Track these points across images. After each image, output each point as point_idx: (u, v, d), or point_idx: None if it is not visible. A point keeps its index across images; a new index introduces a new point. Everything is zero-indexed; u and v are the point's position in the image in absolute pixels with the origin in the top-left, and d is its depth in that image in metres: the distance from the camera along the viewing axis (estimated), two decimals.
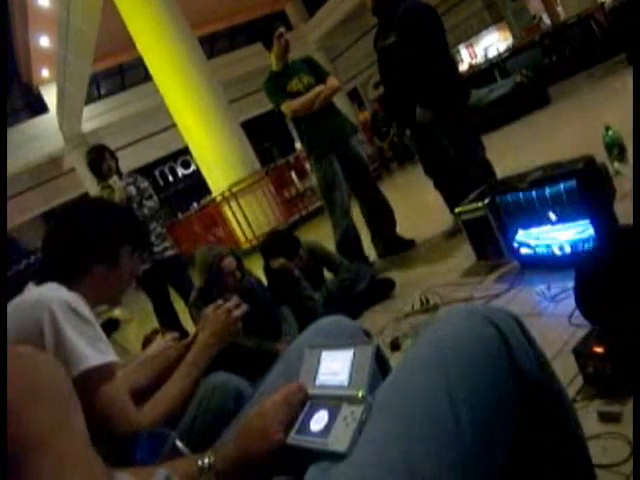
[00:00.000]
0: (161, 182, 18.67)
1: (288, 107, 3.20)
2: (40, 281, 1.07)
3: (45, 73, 14.50)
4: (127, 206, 3.12)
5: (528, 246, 2.11)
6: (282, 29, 3.23)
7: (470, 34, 15.81)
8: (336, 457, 0.62)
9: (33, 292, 1.04)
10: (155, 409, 1.05)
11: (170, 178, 19.17)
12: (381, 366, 0.83)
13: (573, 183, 1.84)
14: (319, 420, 0.69)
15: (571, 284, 1.35)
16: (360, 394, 0.67)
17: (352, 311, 2.51)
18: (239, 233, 8.16)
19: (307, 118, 3.25)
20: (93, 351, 0.96)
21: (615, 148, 2.66)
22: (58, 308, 0.96)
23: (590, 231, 1.85)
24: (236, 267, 2.42)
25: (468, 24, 15.86)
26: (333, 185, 3.28)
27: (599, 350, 1.18)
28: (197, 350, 1.17)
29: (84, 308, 1.01)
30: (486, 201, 2.22)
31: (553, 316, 1.67)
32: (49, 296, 0.99)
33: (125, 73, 16.77)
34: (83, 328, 0.97)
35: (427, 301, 2.30)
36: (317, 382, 0.76)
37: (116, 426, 0.96)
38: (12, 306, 0.98)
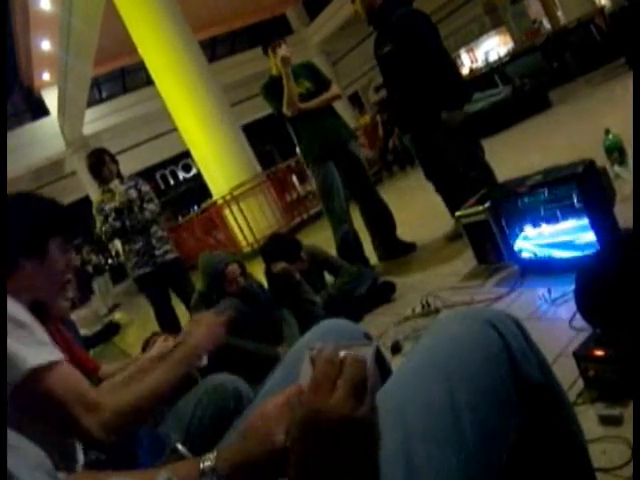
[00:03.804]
0: (162, 185, 18.70)
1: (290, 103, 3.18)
2: None
3: (46, 76, 14.55)
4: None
5: (528, 250, 2.12)
6: (279, 41, 3.21)
7: (471, 38, 15.85)
8: None
9: None
10: (121, 397, 0.97)
11: (171, 181, 19.19)
12: (382, 368, 0.83)
13: (573, 187, 1.84)
14: None
15: (571, 288, 1.35)
16: None
17: (353, 314, 2.50)
18: (240, 236, 8.16)
19: (304, 122, 3.26)
20: (31, 352, 0.90)
21: (615, 152, 2.66)
22: None
23: (590, 234, 1.85)
24: (240, 274, 2.43)
25: (468, 29, 15.90)
26: (331, 190, 3.28)
27: (600, 353, 1.18)
28: (183, 352, 1.11)
29: (18, 311, 0.95)
30: (486, 205, 2.22)
31: (554, 319, 1.67)
32: None
33: (126, 76, 16.82)
34: (18, 333, 0.91)
35: (428, 304, 2.30)
36: None
37: (79, 417, 0.91)
38: None
